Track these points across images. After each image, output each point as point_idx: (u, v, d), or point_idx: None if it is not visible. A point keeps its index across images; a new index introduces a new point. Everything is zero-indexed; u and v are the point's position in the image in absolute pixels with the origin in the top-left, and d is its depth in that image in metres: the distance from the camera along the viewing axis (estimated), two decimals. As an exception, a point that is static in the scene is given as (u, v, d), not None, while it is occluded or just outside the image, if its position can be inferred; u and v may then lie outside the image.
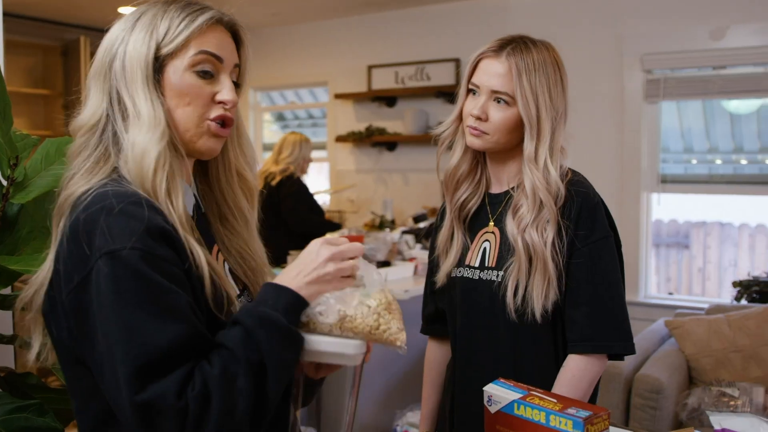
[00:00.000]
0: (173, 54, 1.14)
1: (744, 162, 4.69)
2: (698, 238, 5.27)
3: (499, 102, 1.60)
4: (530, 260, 1.56)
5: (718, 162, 4.73)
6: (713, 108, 4.66)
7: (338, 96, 5.74)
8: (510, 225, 1.61)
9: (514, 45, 1.61)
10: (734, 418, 1.38)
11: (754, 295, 3.83)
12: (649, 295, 4.64)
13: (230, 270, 1.27)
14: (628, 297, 4.33)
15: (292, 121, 6.86)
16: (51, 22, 5.91)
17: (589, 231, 1.58)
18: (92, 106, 1.16)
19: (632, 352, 1.59)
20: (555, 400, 1.24)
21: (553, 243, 1.56)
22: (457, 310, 1.70)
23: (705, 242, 5.25)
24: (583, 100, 4.62)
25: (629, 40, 4.50)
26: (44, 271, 1.11)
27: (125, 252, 0.98)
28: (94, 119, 1.15)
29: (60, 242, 1.06)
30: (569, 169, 1.65)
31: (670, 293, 4.84)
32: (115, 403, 0.98)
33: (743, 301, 3.86)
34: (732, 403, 2.91)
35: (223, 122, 1.18)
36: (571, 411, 1.19)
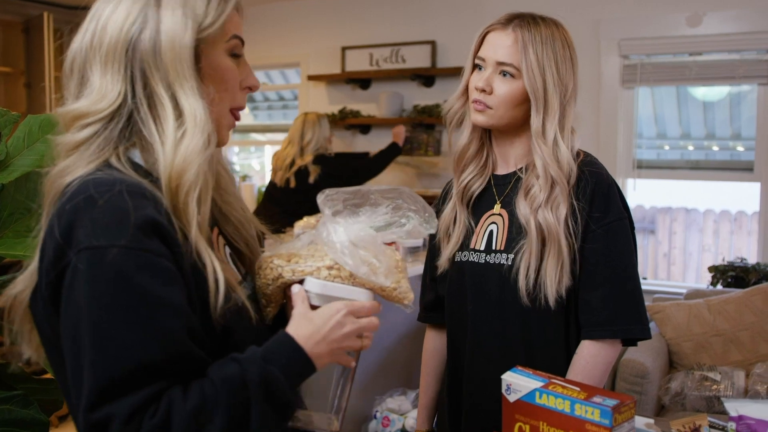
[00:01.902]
0: (213, 39, 1.03)
1: (716, 148, 4.75)
2: (664, 223, 5.33)
3: (504, 75, 1.56)
4: (543, 242, 1.52)
5: (690, 148, 4.78)
6: (686, 94, 4.70)
7: (311, 78, 5.64)
8: (522, 206, 1.56)
9: (522, 18, 1.58)
10: (751, 405, 1.36)
11: (729, 280, 3.87)
12: (623, 280, 4.67)
13: (231, 255, 1.20)
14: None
15: (262, 102, 6.74)
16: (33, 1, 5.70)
17: (604, 213, 1.54)
18: (105, 91, 1.00)
19: (649, 336, 1.56)
20: (578, 389, 1.20)
21: (566, 223, 1.52)
22: (463, 296, 1.65)
23: (671, 228, 5.32)
24: (561, 84, 4.61)
25: (606, 24, 4.49)
26: (32, 267, 1.01)
27: (108, 250, 0.89)
28: (110, 108, 1.00)
29: (44, 235, 0.97)
30: (581, 150, 1.62)
31: (644, 278, 4.88)
32: (73, 412, 0.90)
33: (719, 286, 3.89)
34: (714, 387, 2.93)
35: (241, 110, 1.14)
36: (597, 399, 1.16)
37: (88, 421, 0.85)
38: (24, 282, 1.03)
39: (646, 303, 3.66)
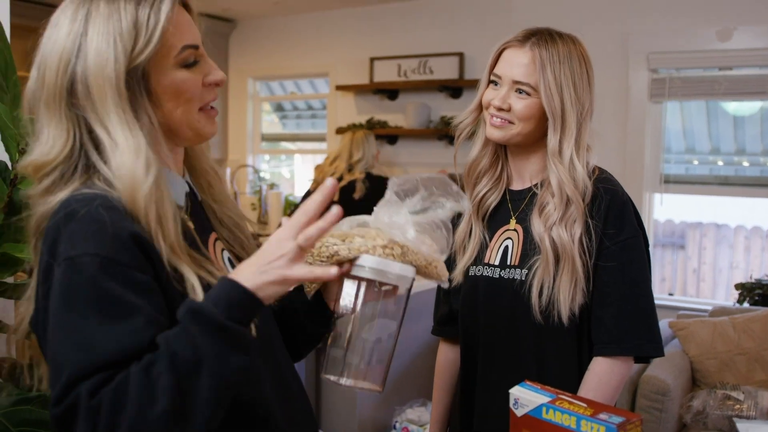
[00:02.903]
0: (154, 57, 1.01)
1: (746, 164, 4.68)
2: (694, 238, 5.26)
3: (520, 93, 1.56)
4: (557, 259, 1.52)
5: (720, 163, 4.72)
6: (716, 109, 4.65)
7: (339, 87, 5.68)
8: (536, 223, 1.56)
9: (540, 36, 1.57)
10: (763, 426, 1.34)
11: (756, 298, 3.81)
12: (649, 296, 4.62)
13: (229, 259, 1.22)
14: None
15: (291, 111, 6.80)
16: (52, 6, 5.83)
17: (618, 229, 1.54)
18: (54, 138, 1.01)
19: (661, 354, 1.55)
20: (585, 405, 1.20)
21: (581, 241, 1.52)
22: (475, 310, 1.66)
23: (701, 243, 5.25)
24: (588, 97, 4.59)
25: (635, 38, 4.47)
26: (28, 294, 1.06)
27: (82, 258, 0.92)
28: (61, 156, 1.01)
29: (37, 259, 1.01)
30: (596, 166, 1.61)
31: (671, 294, 4.83)
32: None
33: (745, 304, 3.84)
34: (737, 406, 2.88)
35: (214, 101, 1.14)
36: (603, 416, 1.15)
37: (54, 415, 0.88)
38: (24, 307, 1.08)
39: (670, 319, 3.64)
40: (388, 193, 1.24)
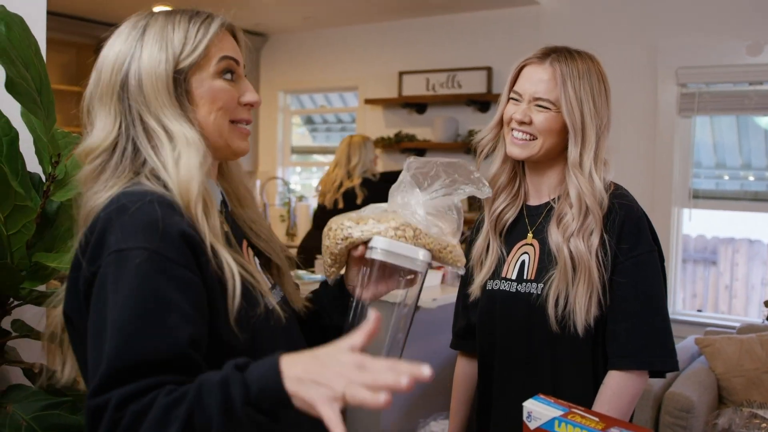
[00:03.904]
0: (197, 65, 1.13)
1: (778, 179, 4.62)
2: (726, 254, 5.20)
3: (540, 108, 1.59)
4: (574, 270, 1.54)
5: (751, 179, 4.66)
6: (747, 123, 4.60)
7: (368, 101, 5.74)
8: (554, 234, 1.58)
9: (559, 53, 1.61)
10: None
11: (786, 315, 3.76)
12: (677, 312, 4.57)
13: (261, 265, 1.28)
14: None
15: (321, 125, 6.87)
16: (87, 21, 5.97)
17: (633, 245, 1.55)
18: (104, 128, 1.13)
19: (676, 368, 1.55)
20: (597, 419, 1.21)
21: (596, 252, 1.54)
22: (493, 324, 1.67)
23: (733, 259, 5.18)
24: (616, 112, 4.53)
25: (664, 52, 4.45)
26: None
27: (133, 252, 0.98)
28: (107, 141, 1.12)
29: (80, 243, 1.06)
30: (612, 182, 1.63)
31: (699, 310, 4.78)
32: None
33: (775, 321, 3.79)
34: (764, 425, 2.85)
35: (248, 123, 1.21)
36: (614, 431, 1.17)
37: (89, 406, 0.93)
38: (54, 315, 1.15)
39: (697, 336, 3.60)
40: (404, 174, 1.26)
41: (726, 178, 4.73)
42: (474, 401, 1.80)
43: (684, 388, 3.02)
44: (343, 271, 1.35)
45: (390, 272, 1.28)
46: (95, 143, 1.13)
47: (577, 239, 1.54)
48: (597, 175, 1.57)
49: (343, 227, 1.24)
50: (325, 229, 1.29)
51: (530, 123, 1.59)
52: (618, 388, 1.53)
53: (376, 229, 1.21)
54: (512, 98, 1.64)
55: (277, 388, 0.89)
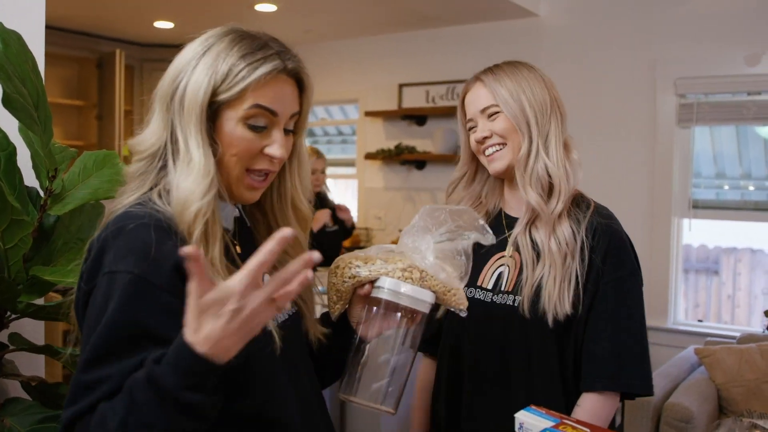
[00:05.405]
0: (229, 103, 1.12)
1: (778, 189, 4.62)
2: (728, 264, 5.19)
3: (491, 116, 1.62)
4: (547, 260, 1.56)
5: (751, 188, 4.67)
6: (747, 133, 4.60)
7: (368, 113, 5.76)
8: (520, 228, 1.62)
9: (484, 69, 1.68)
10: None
11: (787, 325, 3.76)
12: (678, 322, 4.56)
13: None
14: (657, 323, 4.29)
15: (322, 137, 6.90)
16: (88, 35, 6.01)
17: (615, 267, 1.56)
18: (156, 131, 1.16)
19: (650, 393, 1.57)
20: (588, 430, 1.22)
21: (573, 251, 1.55)
22: (465, 331, 1.66)
23: (735, 269, 5.17)
24: (615, 123, 4.59)
25: (663, 63, 4.47)
26: None
27: (121, 274, 1.01)
28: (155, 147, 1.15)
29: (84, 256, 1.11)
30: (593, 201, 1.65)
31: (700, 320, 4.77)
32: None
33: (775, 331, 3.79)
34: (763, 435, 2.84)
35: (266, 175, 1.19)
36: (604, 441, 1.17)
37: (64, 419, 1.01)
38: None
39: (697, 345, 3.59)
40: (416, 218, 1.30)
41: (726, 187, 4.73)
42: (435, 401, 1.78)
43: (684, 399, 3.02)
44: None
45: (393, 311, 1.30)
46: (145, 145, 1.16)
47: (543, 229, 1.58)
48: (552, 155, 1.58)
49: (351, 266, 1.28)
50: (332, 267, 1.32)
51: (491, 135, 1.62)
52: (594, 410, 1.53)
53: (383, 270, 1.25)
54: (469, 128, 1.68)
55: (193, 355, 0.92)
